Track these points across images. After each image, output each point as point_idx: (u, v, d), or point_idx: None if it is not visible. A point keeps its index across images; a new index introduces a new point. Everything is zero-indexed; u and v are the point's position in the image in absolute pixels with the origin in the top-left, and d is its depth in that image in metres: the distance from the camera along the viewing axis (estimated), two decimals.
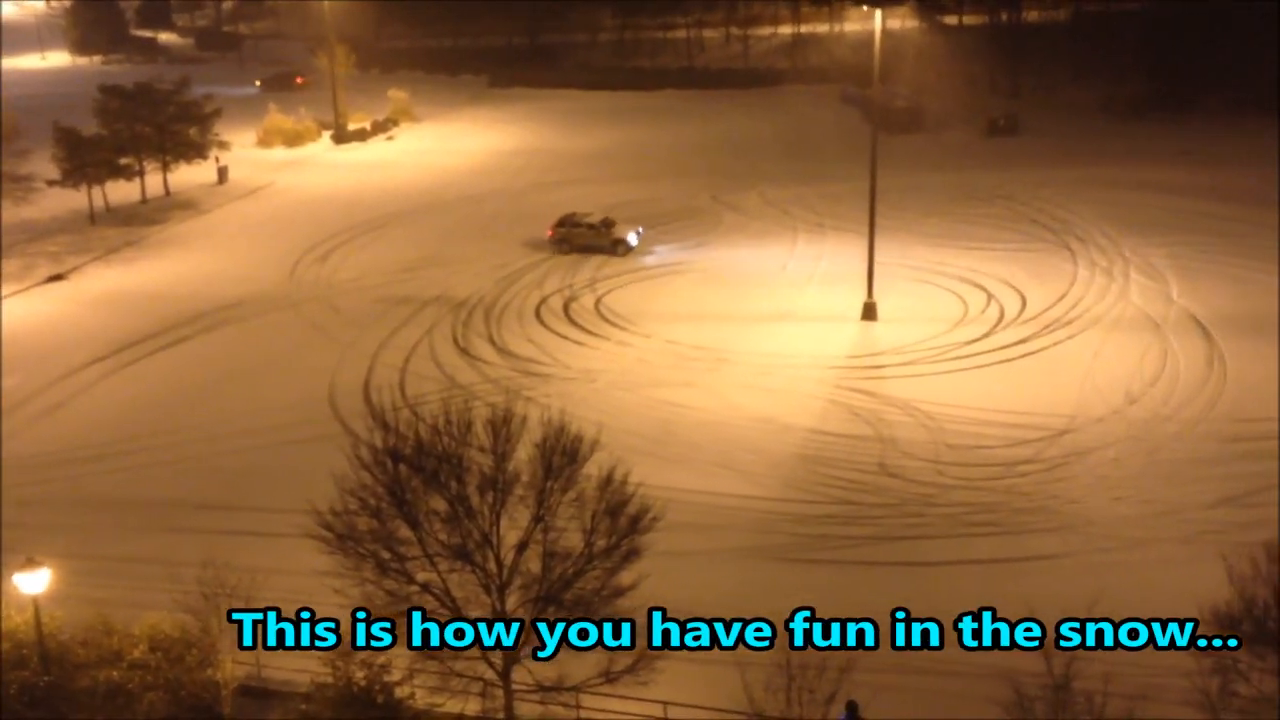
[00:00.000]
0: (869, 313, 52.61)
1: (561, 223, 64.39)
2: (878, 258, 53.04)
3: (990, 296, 54.59)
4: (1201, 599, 22.08)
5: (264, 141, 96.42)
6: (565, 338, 51.82)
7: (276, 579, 29.37)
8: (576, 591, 24.09)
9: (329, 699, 25.73)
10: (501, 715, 25.79)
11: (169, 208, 77.62)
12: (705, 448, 40.99)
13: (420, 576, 24.12)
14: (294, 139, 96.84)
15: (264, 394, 47.26)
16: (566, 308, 55.47)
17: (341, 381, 47.84)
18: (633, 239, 63.84)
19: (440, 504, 23.93)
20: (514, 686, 25.08)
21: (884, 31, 53.50)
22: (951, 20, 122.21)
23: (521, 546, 23.99)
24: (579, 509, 24.19)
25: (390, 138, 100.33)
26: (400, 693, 26.06)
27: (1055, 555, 33.62)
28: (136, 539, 36.26)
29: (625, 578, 24.48)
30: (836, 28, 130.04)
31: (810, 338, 50.78)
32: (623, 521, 24.22)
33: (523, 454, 24.23)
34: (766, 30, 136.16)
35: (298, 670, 27.80)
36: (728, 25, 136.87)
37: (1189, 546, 33.53)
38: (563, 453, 24.26)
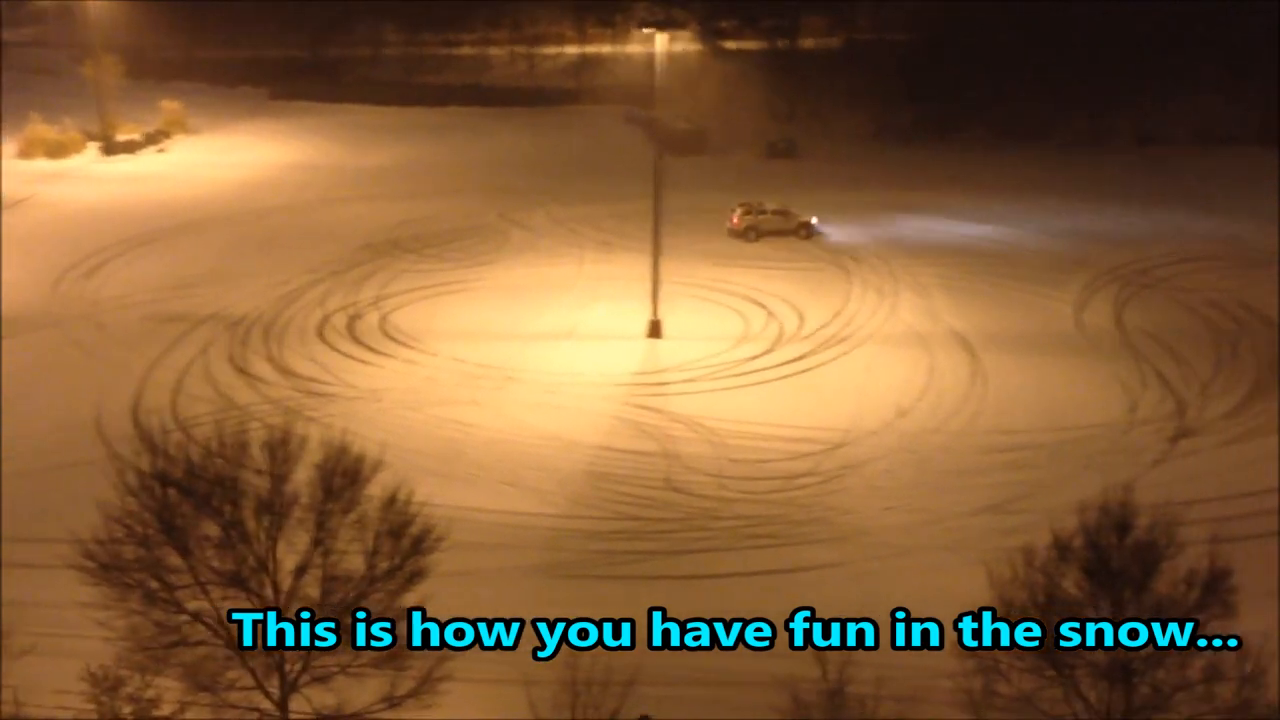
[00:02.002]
0: (654, 330, 53.37)
1: (747, 211, 67.68)
2: (663, 276, 53.92)
3: (770, 314, 56.11)
4: (965, 603, 23.13)
5: (25, 153, 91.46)
6: (349, 356, 50.78)
7: (35, 611, 27.89)
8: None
9: None
10: None
11: None
12: (493, 466, 40.78)
13: (191, 605, 23.18)
14: (57, 150, 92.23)
15: (22, 418, 44.58)
16: (351, 326, 54.39)
17: (108, 404, 45.62)
18: (814, 221, 67.27)
19: (213, 529, 23.07)
20: (292, 716, 24.35)
21: (667, 55, 54.53)
22: (732, 45, 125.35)
23: (300, 571, 23.34)
24: (360, 531, 23.68)
25: (162, 150, 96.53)
26: None
27: (830, 565, 34.73)
28: None
29: (410, 599, 24.08)
30: (621, 49, 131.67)
31: (597, 355, 51.15)
32: (405, 542, 23.81)
33: (302, 475, 23.60)
34: (552, 49, 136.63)
35: (60, 706, 26.31)
36: (513, 44, 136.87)
37: (954, 553, 35.11)
38: (343, 474, 23.71)
